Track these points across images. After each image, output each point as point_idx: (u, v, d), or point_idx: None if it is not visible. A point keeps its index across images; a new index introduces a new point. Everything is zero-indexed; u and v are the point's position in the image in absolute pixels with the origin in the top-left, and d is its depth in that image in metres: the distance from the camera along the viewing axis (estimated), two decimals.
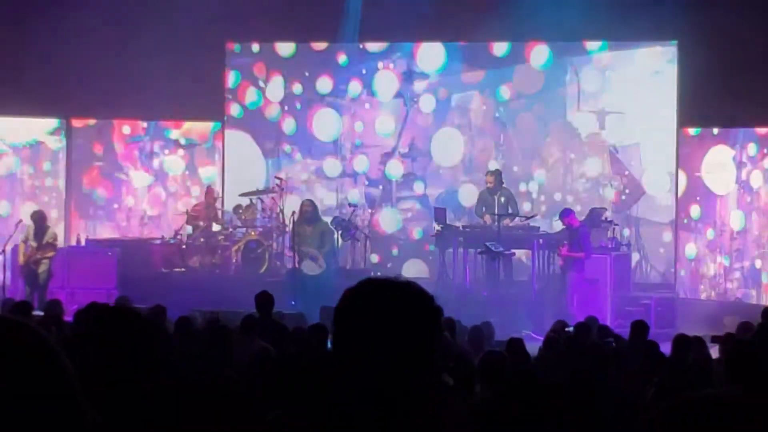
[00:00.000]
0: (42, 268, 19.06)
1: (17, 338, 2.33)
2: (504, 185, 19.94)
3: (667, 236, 20.65)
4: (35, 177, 21.65)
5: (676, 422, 4.67)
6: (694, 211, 20.24)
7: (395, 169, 21.85)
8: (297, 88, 22.08)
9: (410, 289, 2.87)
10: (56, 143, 21.78)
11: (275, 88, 22.14)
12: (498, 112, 21.49)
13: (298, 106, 22.13)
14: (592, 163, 21.12)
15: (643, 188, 20.82)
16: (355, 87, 21.90)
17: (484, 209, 19.80)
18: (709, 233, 20.07)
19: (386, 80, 21.84)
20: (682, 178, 20.44)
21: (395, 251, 21.70)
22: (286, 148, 22.13)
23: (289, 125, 22.12)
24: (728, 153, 19.77)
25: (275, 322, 12.61)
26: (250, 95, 22.25)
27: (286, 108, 22.15)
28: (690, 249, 20.33)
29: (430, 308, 2.87)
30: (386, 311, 2.79)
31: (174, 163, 22.28)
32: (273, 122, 22.20)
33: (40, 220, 19.29)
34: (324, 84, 21.97)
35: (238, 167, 22.17)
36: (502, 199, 19.76)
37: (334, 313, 2.85)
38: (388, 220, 21.81)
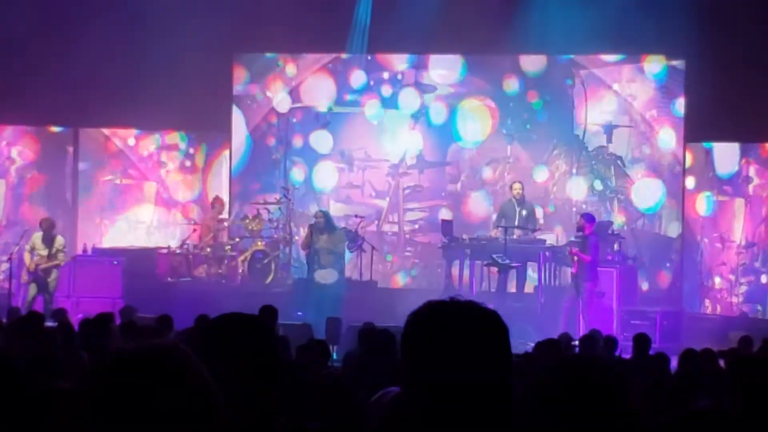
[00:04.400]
0: (52, 276, 19.06)
1: (177, 366, 2.36)
2: (526, 199, 19.92)
3: (674, 249, 20.63)
4: (41, 184, 21.67)
5: None
6: (700, 224, 20.25)
7: (404, 180, 21.86)
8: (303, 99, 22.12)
9: (485, 311, 2.74)
10: (65, 151, 21.83)
11: (282, 99, 22.15)
12: (506, 127, 21.48)
13: (306, 118, 22.16)
14: (599, 176, 21.10)
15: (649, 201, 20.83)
16: (365, 98, 21.92)
17: (504, 221, 19.76)
18: (715, 247, 20.06)
19: (396, 92, 21.85)
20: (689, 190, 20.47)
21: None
22: (294, 158, 22.13)
23: (296, 138, 22.12)
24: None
25: (277, 336, 12.60)
26: (258, 106, 22.26)
27: (294, 120, 22.16)
28: (696, 263, 20.32)
29: (504, 329, 2.74)
30: (472, 337, 2.66)
31: (182, 172, 22.30)
32: (281, 134, 22.20)
33: (49, 228, 19.26)
34: (332, 94, 22.02)
35: (245, 177, 22.19)
36: (524, 212, 19.71)
37: (405, 343, 2.69)
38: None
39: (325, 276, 19.61)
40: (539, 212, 20.47)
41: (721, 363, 10.98)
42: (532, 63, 21.32)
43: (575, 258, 18.17)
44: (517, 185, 19.93)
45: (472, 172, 21.65)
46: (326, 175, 22.06)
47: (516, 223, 19.54)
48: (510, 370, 2.67)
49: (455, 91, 21.67)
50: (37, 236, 19.17)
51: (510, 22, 19.86)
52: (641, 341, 12.02)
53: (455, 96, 21.67)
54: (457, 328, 2.65)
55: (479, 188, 21.56)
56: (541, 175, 21.29)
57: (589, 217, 18.55)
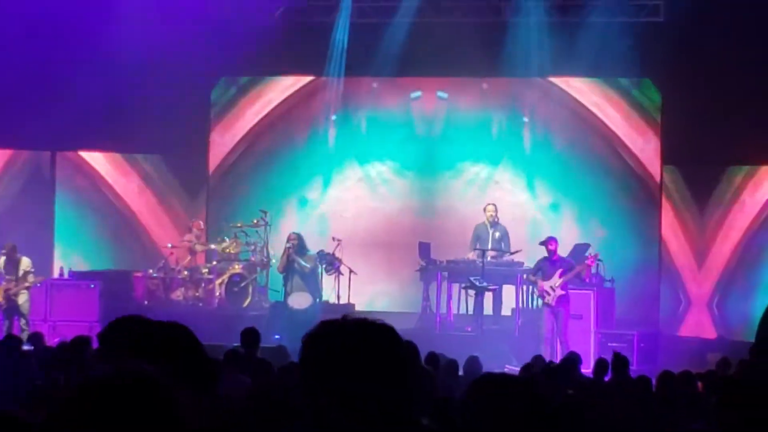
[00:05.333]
0: (22, 299, 18.89)
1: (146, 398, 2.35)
2: (499, 221, 19.95)
3: (650, 272, 20.68)
4: (18, 207, 21.56)
5: None
6: (676, 246, 20.32)
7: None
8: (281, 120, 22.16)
9: (379, 331, 2.76)
10: (41, 174, 21.78)
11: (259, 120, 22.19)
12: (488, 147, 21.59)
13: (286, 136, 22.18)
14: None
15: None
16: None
17: (478, 244, 19.77)
18: (692, 269, 20.13)
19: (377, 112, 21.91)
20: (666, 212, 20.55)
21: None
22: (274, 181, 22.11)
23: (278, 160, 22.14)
24: None
25: (260, 359, 12.54)
26: (235, 128, 22.26)
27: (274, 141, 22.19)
28: (672, 285, 20.38)
29: (402, 349, 2.76)
30: (357, 357, 2.69)
31: (153, 195, 22.26)
32: (260, 155, 22.22)
33: (10, 252, 19.04)
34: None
35: (223, 200, 22.17)
36: (497, 234, 19.75)
37: (300, 362, 2.76)
38: None
39: (299, 300, 19.56)
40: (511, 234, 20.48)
41: (699, 385, 11.01)
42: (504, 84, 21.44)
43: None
44: (490, 207, 19.98)
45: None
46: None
47: (489, 245, 19.56)
48: (404, 380, 2.71)
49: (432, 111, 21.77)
50: (0, 261, 19.03)
51: (484, 46, 20.01)
52: (619, 362, 12.03)
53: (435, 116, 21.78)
54: (346, 344, 2.73)
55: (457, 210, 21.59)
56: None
57: (553, 239, 18.46)
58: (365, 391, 2.66)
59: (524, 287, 19.45)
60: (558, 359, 14.96)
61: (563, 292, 17.84)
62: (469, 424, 2.99)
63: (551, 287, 17.79)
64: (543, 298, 18.04)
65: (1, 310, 18.89)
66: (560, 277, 17.80)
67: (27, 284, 18.93)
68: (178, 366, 3.51)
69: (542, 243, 18.21)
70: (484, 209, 20.07)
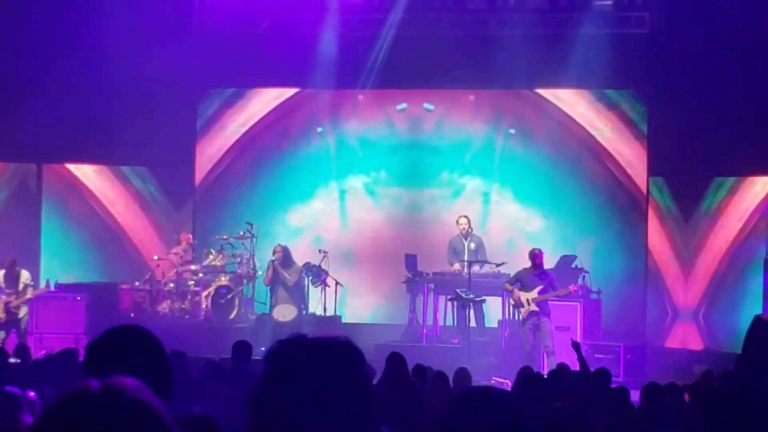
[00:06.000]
0: (22, 313, 18.89)
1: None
2: (473, 231, 20.00)
3: (637, 283, 20.70)
4: (6, 220, 21.51)
5: None
6: (663, 257, 20.35)
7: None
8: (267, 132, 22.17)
9: (335, 347, 2.71)
10: (27, 186, 21.74)
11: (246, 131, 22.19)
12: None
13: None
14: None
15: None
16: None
17: (455, 256, 19.79)
18: (678, 280, 20.17)
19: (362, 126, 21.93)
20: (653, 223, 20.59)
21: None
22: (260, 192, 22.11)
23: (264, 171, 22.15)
24: None
25: (248, 372, 12.48)
26: (221, 140, 22.27)
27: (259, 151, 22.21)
28: (659, 296, 20.41)
29: (359, 366, 2.71)
30: (314, 377, 2.63)
31: (140, 207, 22.24)
32: (246, 167, 22.23)
33: (10, 266, 19.03)
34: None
35: (209, 212, 22.16)
36: (472, 245, 19.79)
37: (258, 386, 2.68)
38: None
39: (283, 312, 19.55)
40: (497, 245, 20.50)
41: (686, 397, 11.02)
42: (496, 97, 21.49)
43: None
44: (462, 219, 20.03)
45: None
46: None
47: (466, 256, 19.57)
48: (360, 394, 2.65)
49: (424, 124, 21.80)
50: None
51: (470, 58, 20.07)
52: (602, 375, 12.04)
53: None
54: (301, 359, 2.66)
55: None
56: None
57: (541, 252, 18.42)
58: (326, 415, 2.61)
59: (511, 299, 19.42)
60: (544, 371, 14.97)
61: (537, 309, 17.70)
62: None
63: (527, 300, 17.74)
64: (517, 308, 18.02)
65: (1, 323, 18.78)
66: (539, 293, 17.73)
67: (27, 297, 18.92)
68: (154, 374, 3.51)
69: (531, 254, 18.11)
70: (457, 222, 20.10)
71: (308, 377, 2.62)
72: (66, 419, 2.27)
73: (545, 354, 17.52)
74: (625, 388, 11.38)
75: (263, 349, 17.79)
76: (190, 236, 21.33)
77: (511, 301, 18.30)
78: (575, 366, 12.99)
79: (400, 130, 21.88)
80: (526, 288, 17.78)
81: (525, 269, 18.02)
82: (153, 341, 3.77)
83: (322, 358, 2.66)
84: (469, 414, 2.99)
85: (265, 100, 22.17)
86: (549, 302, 17.89)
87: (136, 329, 3.84)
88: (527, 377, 11.98)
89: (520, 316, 18.02)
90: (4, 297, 18.82)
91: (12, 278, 18.90)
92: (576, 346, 13.25)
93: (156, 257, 21.11)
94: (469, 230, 19.92)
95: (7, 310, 18.72)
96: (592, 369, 12.64)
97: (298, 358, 2.66)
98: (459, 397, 3.09)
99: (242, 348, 12.54)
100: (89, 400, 2.28)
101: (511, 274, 18.84)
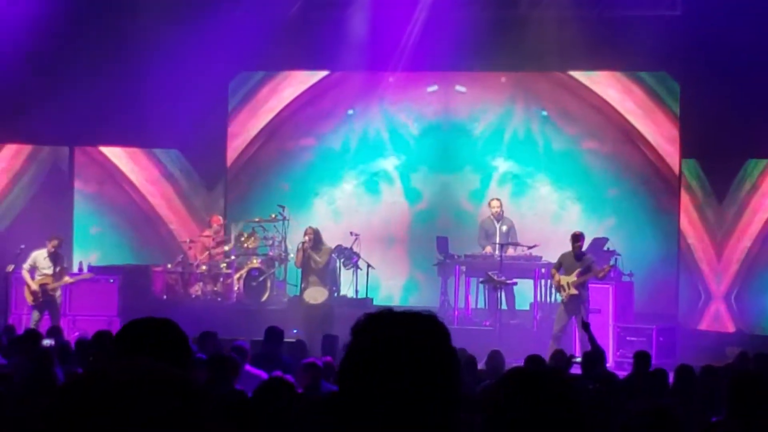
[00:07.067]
0: (58, 293, 18.92)
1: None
2: (505, 214, 19.97)
3: (669, 266, 20.63)
4: (39, 202, 21.56)
5: None
6: (695, 240, 20.28)
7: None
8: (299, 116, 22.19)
9: (426, 322, 2.68)
10: (60, 170, 21.82)
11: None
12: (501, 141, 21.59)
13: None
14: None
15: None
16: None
17: (486, 238, 19.76)
18: (711, 262, 20.09)
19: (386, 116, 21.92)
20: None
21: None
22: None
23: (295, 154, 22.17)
24: None
25: (279, 357, 12.47)
26: (252, 122, 22.29)
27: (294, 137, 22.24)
28: (691, 279, 20.34)
29: (447, 341, 2.69)
30: (405, 348, 2.61)
31: (172, 190, 22.30)
32: (277, 149, 22.25)
33: (56, 247, 18.95)
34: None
35: (240, 194, 22.21)
36: (504, 228, 19.76)
37: (345, 356, 2.65)
38: None
39: (314, 295, 19.51)
40: (530, 228, 20.46)
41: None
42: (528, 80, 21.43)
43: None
44: (494, 202, 20.00)
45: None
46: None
47: (497, 239, 19.54)
48: (449, 374, 2.64)
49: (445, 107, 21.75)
50: (40, 254, 18.86)
51: (502, 40, 20.02)
52: (641, 359, 12.01)
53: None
54: (391, 335, 2.63)
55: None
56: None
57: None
58: (412, 389, 2.59)
59: (543, 281, 19.41)
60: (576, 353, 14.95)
61: (576, 293, 17.62)
62: (501, 416, 2.97)
63: (567, 283, 17.67)
64: (559, 292, 17.95)
65: (37, 304, 18.72)
66: (577, 276, 17.64)
67: (67, 281, 18.92)
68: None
69: (573, 237, 17.94)
70: (489, 204, 20.07)
71: (401, 349, 2.61)
72: (75, 402, 2.23)
73: (578, 339, 17.40)
74: (663, 369, 11.35)
75: (295, 331, 17.90)
76: (221, 218, 21.37)
77: (553, 286, 18.23)
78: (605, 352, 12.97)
79: (431, 112, 21.85)
80: (568, 271, 17.72)
81: (567, 252, 17.92)
82: (174, 336, 3.73)
83: (413, 330, 2.64)
84: (523, 391, 2.95)
85: (296, 83, 22.18)
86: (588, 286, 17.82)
87: (158, 324, 3.79)
88: (560, 361, 11.98)
89: (561, 299, 17.90)
90: (40, 278, 18.78)
91: (54, 259, 18.82)
92: (586, 326, 13.32)
93: (188, 240, 21.16)
94: (501, 213, 19.89)
95: (44, 290, 18.69)
96: (622, 351, 12.64)
97: (391, 330, 2.64)
98: (511, 375, 3.04)
99: (274, 333, 12.56)
100: (109, 377, 2.25)
101: (542, 258, 18.84)
